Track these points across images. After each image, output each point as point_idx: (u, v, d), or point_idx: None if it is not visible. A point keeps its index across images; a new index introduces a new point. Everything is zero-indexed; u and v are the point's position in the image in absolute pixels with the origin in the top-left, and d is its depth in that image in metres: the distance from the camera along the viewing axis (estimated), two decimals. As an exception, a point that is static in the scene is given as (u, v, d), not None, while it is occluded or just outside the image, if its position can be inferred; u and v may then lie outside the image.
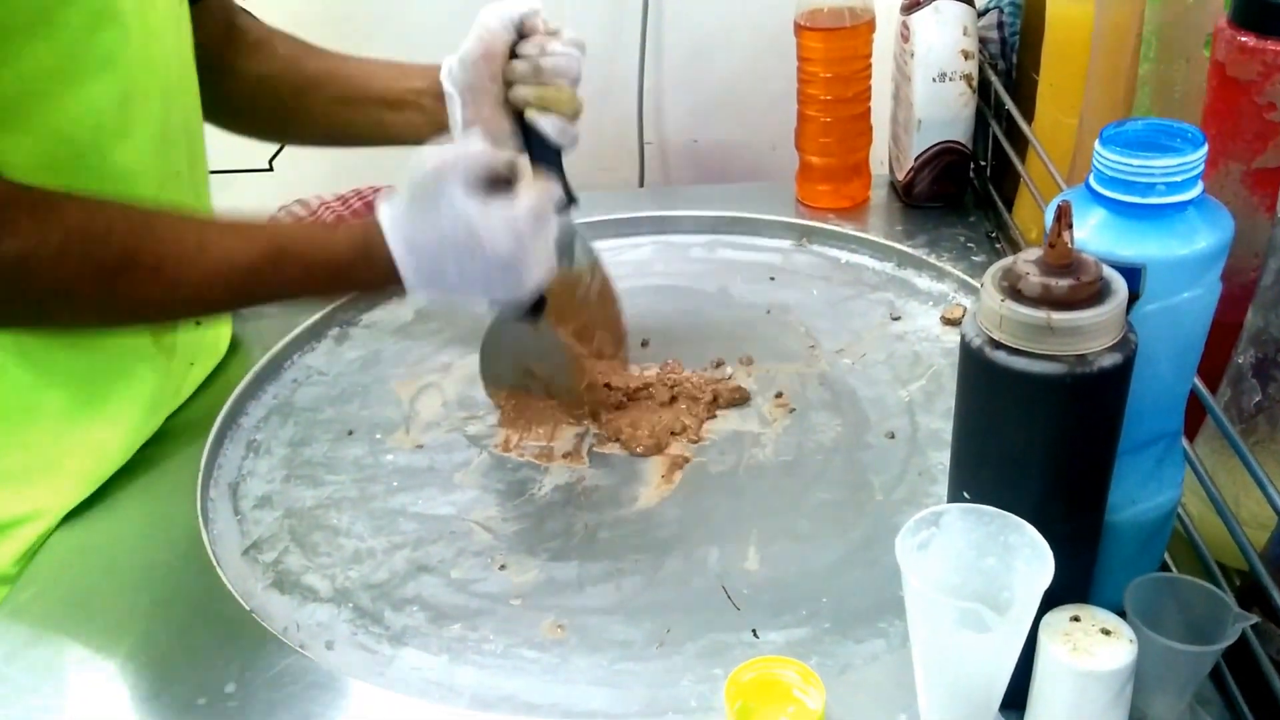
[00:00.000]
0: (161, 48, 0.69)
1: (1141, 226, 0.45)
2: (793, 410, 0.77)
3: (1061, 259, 0.43)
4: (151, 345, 0.75)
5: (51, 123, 0.63)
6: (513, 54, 0.74)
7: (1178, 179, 0.45)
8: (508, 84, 0.74)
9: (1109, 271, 0.44)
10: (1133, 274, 0.45)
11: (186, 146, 0.73)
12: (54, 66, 0.62)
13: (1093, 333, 0.43)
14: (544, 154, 0.73)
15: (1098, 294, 0.43)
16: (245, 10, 0.83)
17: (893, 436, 0.74)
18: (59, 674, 0.60)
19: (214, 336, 0.85)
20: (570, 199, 0.73)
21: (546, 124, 0.73)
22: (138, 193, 0.67)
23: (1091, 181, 0.47)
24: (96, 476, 0.73)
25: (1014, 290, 0.44)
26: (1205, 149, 0.45)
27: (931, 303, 0.88)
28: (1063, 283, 0.43)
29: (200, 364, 0.82)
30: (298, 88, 0.81)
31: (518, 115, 0.74)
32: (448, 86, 0.75)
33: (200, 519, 0.70)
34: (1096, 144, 0.46)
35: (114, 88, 0.65)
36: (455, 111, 0.76)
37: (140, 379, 0.74)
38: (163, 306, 0.65)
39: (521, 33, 0.74)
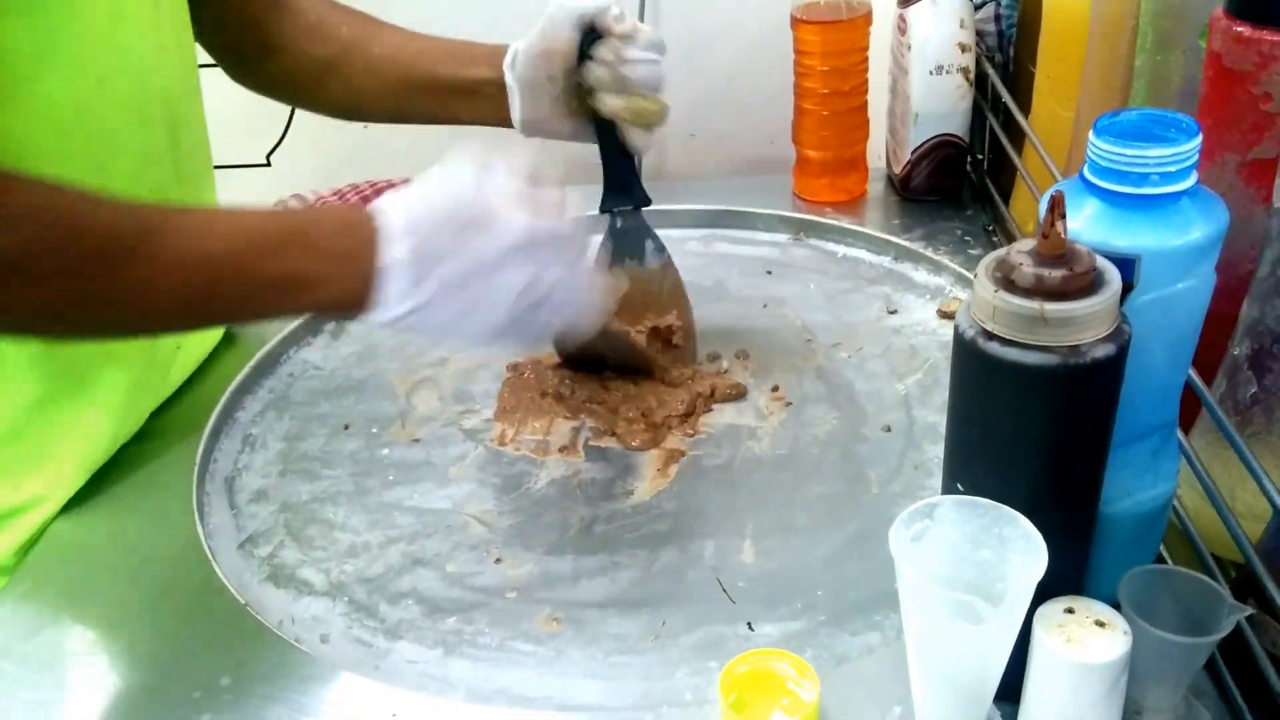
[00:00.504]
0: (134, 26, 0.68)
1: (1136, 217, 0.45)
2: (789, 404, 0.77)
3: (1055, 250, 0.43)
4: None
5: (29, 103, 0.62)
6: (586, 53, 0.72)
7: (1172, 169, 0.45)
8: (588, 90, 0.72)
9: (1102, 262, 0.44)
10: (1127, 265, 0.45)
11: (166, 126, 0.73)
12: (32, 47, 0.61)
13: (1086, 323, 0.42)
14: (622, 159, 0.75)
15: (1091, 285, 0.43)
16: None
17: (889, 430, 0.74)
18: (55, 667, 0.60)
19: None
20: (644, 200, 0.76)
21: (637, 136, 0.73)
22: (110, 170, 0.67)
23: (1086, 172, 0.47)
24: (88, 463, 0.72)
25: (1007, 281, 0.44)
26: (1199, 139, 0.45)
27: (928, 296, 0.88)
28: (1056, 273, 0.43)
29: (188, 349, 0.82)
30: (364, 72, 0.80)
31: (592, 116, 0.73)
32: (508, 79, 0.75)
33: (196, 513, 0.70)
34: (1090, 134, 0.46)
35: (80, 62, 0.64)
36: (515, 105, 0.75)
37: (121, 360, 0.73)
38: (132, 305, 0.56)
39: (595, 31, 0.71)
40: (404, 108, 0.81)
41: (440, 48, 0.80)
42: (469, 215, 0.57)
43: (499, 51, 0.77)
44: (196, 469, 0.73)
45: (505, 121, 0.77)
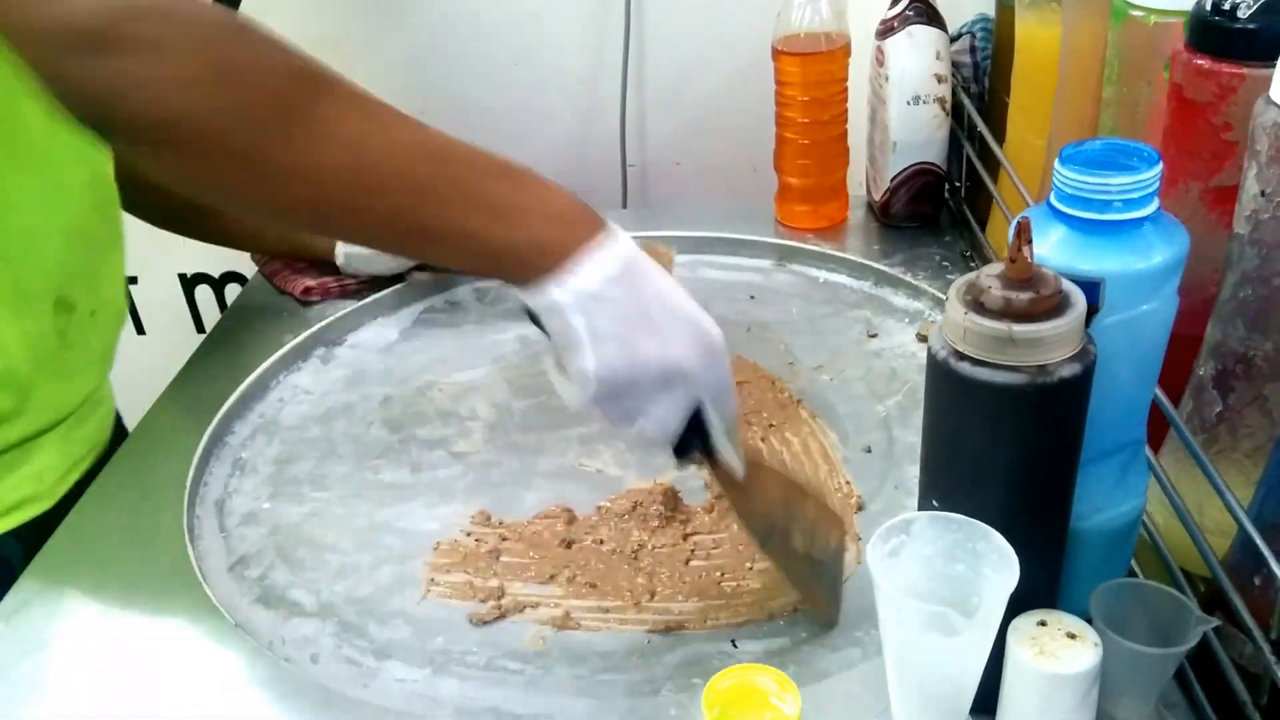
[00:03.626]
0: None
1: (1100, 242, 0.47)
2: (772, 425, 0.79)
3: (1022, 273, 0.45)
4: None
5: None
6: None
7: (1134, 196, 0.46)
8: None
9: (1068, 285, 0.46)
10: (1092, 287, 0.46)
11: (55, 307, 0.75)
12: None
13: (1053, 344, 0.44)
14: None
15: (1057, 307, 0.45)
16: None
17: (870, 450, 0.76)
18: (46, 689, 0.61)
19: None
20: None
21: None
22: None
23: (1052, 199, 0.49)
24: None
25: (977, 303, 0.45)
26: (1160, 167, 0.47)
27: (908, 320, 0.90)
28: (1023, 296, 0.44)
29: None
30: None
31: None
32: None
33: (187, 535, 0.70)
34: (1056, 163, 0.48)
35: None
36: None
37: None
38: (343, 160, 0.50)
39: None
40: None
41: None
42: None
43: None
44: (187, 492, 0.74)
45: None
